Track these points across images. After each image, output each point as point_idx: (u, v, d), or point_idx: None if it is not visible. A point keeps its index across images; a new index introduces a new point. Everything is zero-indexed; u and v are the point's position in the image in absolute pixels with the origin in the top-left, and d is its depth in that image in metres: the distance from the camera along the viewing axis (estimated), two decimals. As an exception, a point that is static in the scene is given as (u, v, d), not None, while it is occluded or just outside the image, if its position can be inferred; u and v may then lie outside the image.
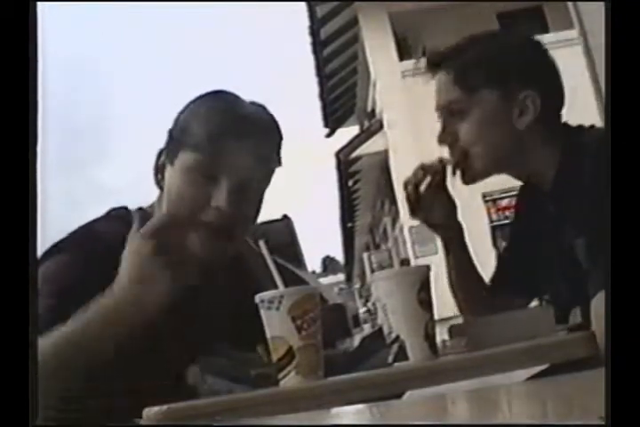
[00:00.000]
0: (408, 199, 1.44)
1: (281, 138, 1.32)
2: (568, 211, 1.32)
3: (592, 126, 1.41)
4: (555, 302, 1.21)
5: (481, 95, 1.37)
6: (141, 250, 1.07)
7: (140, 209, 1.36)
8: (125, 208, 1.36)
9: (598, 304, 1.16)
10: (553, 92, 1.41)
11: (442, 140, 1.40)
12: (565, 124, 1.41)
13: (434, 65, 1.43)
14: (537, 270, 1.44)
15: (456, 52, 1.43)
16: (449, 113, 1.40)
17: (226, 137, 1.23)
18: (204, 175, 1.24)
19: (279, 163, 1.32)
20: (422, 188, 1.42)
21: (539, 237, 1.43)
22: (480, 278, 1.53)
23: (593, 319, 1.16)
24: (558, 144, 1.37)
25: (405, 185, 1.44)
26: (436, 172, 1.41)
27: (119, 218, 1.32)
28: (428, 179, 1.41)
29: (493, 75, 1.37)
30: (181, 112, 1.30)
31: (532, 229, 1.46)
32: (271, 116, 1.32)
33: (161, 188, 1.31)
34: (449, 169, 1.41)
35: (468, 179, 1.41)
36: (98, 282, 1.12)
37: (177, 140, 1.28)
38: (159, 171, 1.31)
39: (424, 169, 1.42)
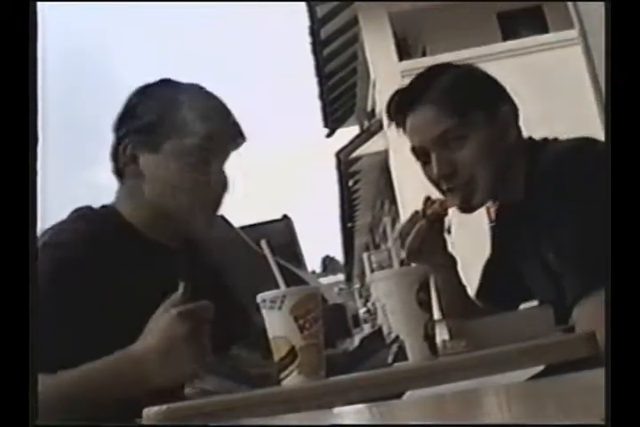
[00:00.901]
0: (402, 245, 1.43)
1: (232, 114, 1.40)
2: (538, 223, 1.31)
3: (553, 139, 1.40)
4: (553, 302, 1.21)
5: (473, 118, 1.35)
6: (177, 329, 1.10)
7: (104, 207, 1.38)
8: (89, 207, 1.38)
9: (581, 312, 1.17)
10: (515, 105, 1.42)
11: (441, 173, 1.36)
12: (528, 137, 1.42)
13: (405, 107, 1.39)
14: (520, 278, 1.44)
15: (421, 86, 1.39)
16: (445, 144, 1.35)
17: (206, 121, 1.32)
18: (196, 157, 1.32)
19: (243, 137, 1.40)
20: (416, 235, 1.41)
21: (518, 247, 1.43)
22: (469, 299, 1.54)
23: (576, 326, 1.17)
24: (525, 157, 1.37)
25: (401, 234, 1.43)
26: (438, 214, 1.41)
27: (81, 218, 1.35)
28: (423, 227, 1.41)
29: (474, 96, 1.37)
30: (139, 103, 1.36)
31: (510, 240, 1.46)
32: (216, 96, 1.39)
33: (136, 177, 1.34)
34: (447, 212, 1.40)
35: (468, 208, 1.39)
36: (65, 284, 1.18)
37: (155, 128, 1.32)
38: (130, 162, 1.34)
39: (425, 215, 1.41)
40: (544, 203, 1.28)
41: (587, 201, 1.19)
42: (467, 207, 1.39)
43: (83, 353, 1.13)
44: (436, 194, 1.42)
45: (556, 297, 1.24)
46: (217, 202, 1.37)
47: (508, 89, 1.43)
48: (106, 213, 1.37)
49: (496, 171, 1.36)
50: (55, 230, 1.31)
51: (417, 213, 1.42)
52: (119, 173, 1.37)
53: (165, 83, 1.39)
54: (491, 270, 1.55)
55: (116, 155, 1.36)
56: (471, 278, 1.54)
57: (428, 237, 1.41)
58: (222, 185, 1.36)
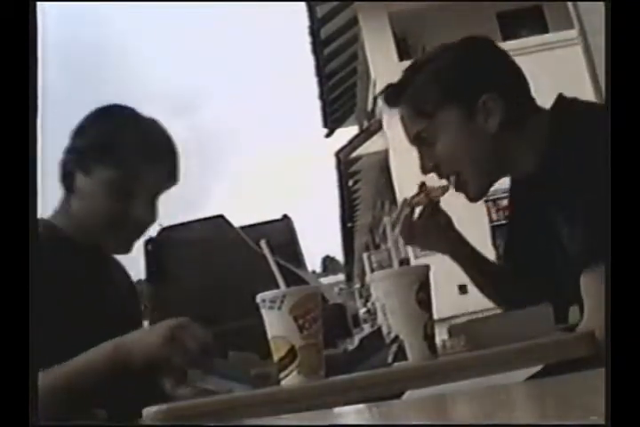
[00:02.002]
0: (401, 232, 1.43)
1: (176, 157, 1.47)
2: (555, 194, 1.31)
3: (572, 100, 1.39)
4: (553, 300, 1.21)
5: (442, 117, 1.35)
6: (160, 347, 1.20)
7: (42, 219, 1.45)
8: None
9: (588, 280, 1.16)
10: (511, 82, 1.39)
11: (425, 169, 1.40)
12: (556, 99, 1.39)
13: (393, 101, 1.42)
14: (535, 273, 1.44)
15: (405, 82, 1.41)
16: (422, 142, 1.39)
17: (141, 156, 1.38)
18: (122, 192, 1.39)
19: (177, 179, 1.47)
20: (414, 218, 1.41)
21: (534, 236, 1.43)
22: (494, 269, 1.54)
23: (584, 296, 1.16)
24: (540, 124, 1.35)
25: (394, 223, 1.43)
26: (422, 203, 1.41)
27: None
28: (418, 209, 1.41)
29: (445, 93, 1.36)
30: (91, 122, 1.43)
31: (526, 227, 1.46)
32: (169, 136, 1.46)
33: (70, 190, 1.43)
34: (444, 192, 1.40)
35: (473, 197, 1.40)
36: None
37: (93, 153, 1.39)
38: (67, 177, 1.42)
39: (409, 204, 1.42)
40: (563, 171, 1.27)
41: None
42: (468, 197, 1.41)
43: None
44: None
45: (561, 289, 1.24)
46: (134, 232, 1.44)
47: (503, 67, 1.40)
48: (46, 226, 1.43)
49: (481, 160, 1.36)
50: None
51: (405, 200, 1.43)
52: (60, 181, 1.45)
53: (122, 110, 1.46)
54: (511, 242, 1.55)
55: (61, 163, 1.44)
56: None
57: (416, 222, 1.42)
58: (142, 218, 1.41)
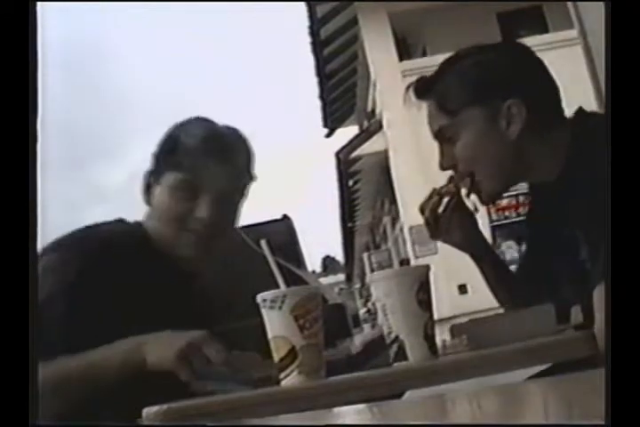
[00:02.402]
0: (427, 223, 1.43)
1: (253, 156, 1.49)
2: (574, 202, 1.31)
3: (593, 112, 1.40)
4: (556, 300, 1.21)
5: (464, 117, 1.36)
6: (172, 363, 1.21)
7: (121, 221, 1.52)
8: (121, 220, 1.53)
9: (599, 296, 1.16)
10: (539, 91, 1.40)
11: (443, 166, 1.41)
12: (577, 110, 1.41)
13: (422, 94, 1.43)
14: (549, 273, 1.44)
15: (437, 77, 1.42)
16: (443, 139, 1.40)
17: (203, 157, 1.41)
18: (187, 192, 1.42)
19: (252, 178, 1.50)
20: (440, 209, 1.41)
21: (548, 235, 1.43)
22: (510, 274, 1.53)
23: (596, 312, 1.16)
24: (562, 135, 1.36)
25: (422, 209, 1.43)
26: (451, 192, 1.41)
27: (119, 222, 1.51)
28: (445, 200, 1.41)
29: (472, 93, 1.37)
30: (164, 137, 1.47)
31: (543, 229, 1.46)
32: (243, 137, 1.48)
33: (149, 204, 1.48)
34: (463, 190, 1.40)
35: (485, 200, 1.41)
36: (95, 278, 1.34)
37: (161, 162, 1.45)
38: (147, 191, 1.47)
39: (439, 193, 1.42)
40: (582, 181, 1.27)
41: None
42: (480, 200, 1.41)
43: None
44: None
45: (565, 289, 1.24)
46: (199, 232, 1.43)
47: (535, 74, 1.40)
48: (131, 229, 1.50)
49: (497, 164, 1.37)
50: (89, 228, 1.46)
51: (434, 189, 1.43)
52: (145, 199, 1.50)
53: (198, 120, 1.48)
54: (529, 254, 1.55)
55: (143, 180, 1.49)
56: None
57: (443, 213, 1.41)
58: (204, 218, 1.41)
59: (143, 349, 1.24)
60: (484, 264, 1.51)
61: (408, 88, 1.44)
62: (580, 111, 1.41)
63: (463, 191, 1.41)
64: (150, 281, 1.40)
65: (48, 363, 1.19)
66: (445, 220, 1.41)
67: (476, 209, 1.46)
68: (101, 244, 1.41)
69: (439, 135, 1.41)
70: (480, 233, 1.50)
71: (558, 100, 1.41)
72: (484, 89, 1.37)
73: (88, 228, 1.47)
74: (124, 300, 1.34)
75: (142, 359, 1.24)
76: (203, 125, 1.47)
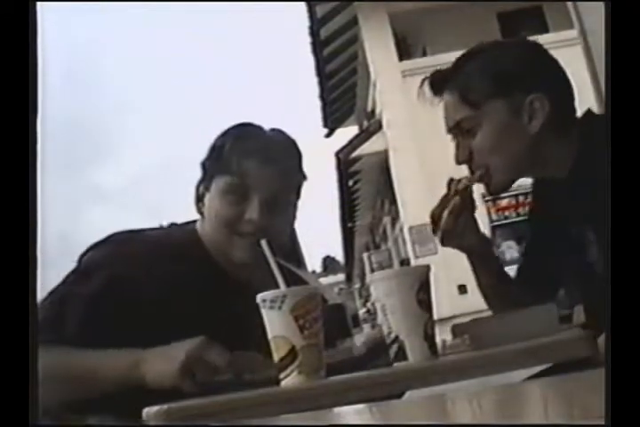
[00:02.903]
0: (437, 228, 1.42)
1: (301, 156, 1.49)
2: (584, 201, 1.32)
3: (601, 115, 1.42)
4: (558, 299, 1.21)
5: (487, 109, 1.37)
6: (174, 378, 1.20)
7: (174, 224, 1.53)
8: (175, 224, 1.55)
9: None
10: (559, 89, 1.41)
11: (459, 159, 1.41)
12: (586, 111, 1.42)
13: (438, 87, 1.43)
14: (554, 269, 1.44)
15: (455, 70, 1.42)
16: (460, 132, 1.40)
17: (250, 159, 1.40)
18: (236, 195, 1.40)
19: (304, 177, 1.50)
20: (449, 214, 1.40)
21: (554, 233, 1.43)
22: (509, 280, 1.53)
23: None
24: (574, 135, 1.37)
25: (433, 216, 1.42)
26: (461, 198, 1.40)
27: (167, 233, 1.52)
28: (455, 205, 1.40)
29: (495, 86, 1.37)
30: (211, 146, 1.46)
31: (547, 225, 1.46)
32: (290, 138, 1.48)
33: (201, 213, 1.47)
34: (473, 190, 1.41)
35: (494, 190, 1.41)
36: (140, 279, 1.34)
37: (210, 169, 1.44)
38: (199, 200, 1.47)
39: (448, 197, 1.41)
40: (592, 180, 1.28)
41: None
42: (489, 190, 1.42)
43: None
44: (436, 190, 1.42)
45: (568, 289, 1.24)
46: (250, 234, 1.39)
47: (554, 73, 1.42)
48: (187, 231, 1.49)
49: (515, 157, 1.38)
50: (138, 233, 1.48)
51: (446, 195, 1.42)
52: (197, 208, 1.49)
53: (242, 126, 1.48)
54: (529, 256, 1.55)
55: (195, 198, 1.49)
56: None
57: (460, 215, 1.41)
58: (254, 220, 1.39)
59: (142, 367, 1.22)
60: (482, 268, 1.50)
61: (423, 82, 1.43)
62: (589, 112, 1.42)
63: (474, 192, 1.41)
64: (197, 287, 1.39)
65: (52, 350, 1.19)
66: (458, 226, 1.41)
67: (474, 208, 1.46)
68: (154, 245, 1.42)
69: (458, 128, 1.40)
70: (485, 237, 1.50)
71: (574, 100, 1.43)
72: (507, 82, 1.38)
73: (140, 230, 1.49)
74: (166, 303, 1.33)
75: (141, 378, 1.21)
76: (247, 129, 1.47)
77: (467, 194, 1.41)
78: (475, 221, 1.46)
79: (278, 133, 1.47)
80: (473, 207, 1.44)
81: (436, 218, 1.42)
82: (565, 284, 1.42)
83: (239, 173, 1.40)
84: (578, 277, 1.36)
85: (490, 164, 1.38)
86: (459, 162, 1.41)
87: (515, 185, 1.49)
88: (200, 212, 1.47)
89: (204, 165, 1.46)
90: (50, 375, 1.15)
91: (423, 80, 1.44)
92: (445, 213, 1.40)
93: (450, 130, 1.42)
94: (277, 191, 1.42)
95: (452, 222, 1.40)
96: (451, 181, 1.43)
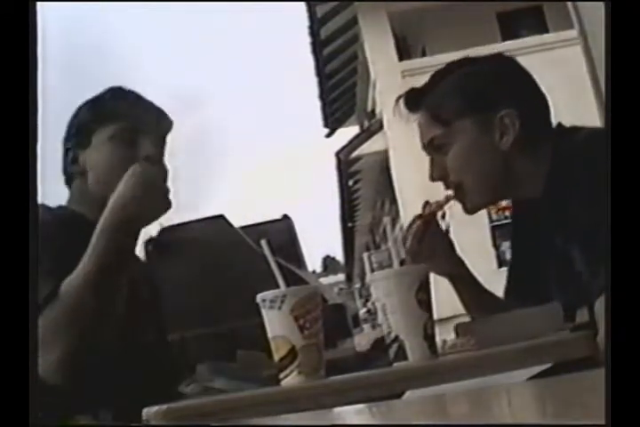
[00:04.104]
0: (409, 251, 1.43)
1: (159, 108, 1.55)
2: (561, 217, 1.31)
3: (579, 127, 1.39)
4: (562, 300, 1.21)
5: (458, 127, 1.36)
6: (144, 177, 1.30)
7: (60, 207, 1.51)
8: (46, 208, 1.49)
9: (600, 309, 1.16)
10: (531, 103, 1.40)
11: (433, 176, 1.41)
12: (556, 126, 1.40)
13: (412, 105, 1.43)
14: (543, 277, 1.43)
15: (429, 87, 1.42)
16: (434, 150, 1.40)
17: (133, 106, 1.48)
18: (124, 139, 1.45)
19: (170, 124, 1.55)
20: (413, 238, 1.41)
21: (539, 244, 1.42)
22: (493, 297, 1.52)
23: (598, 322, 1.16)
24: (547, 150, 1.35)
25: (404, 239, 1.43)
26: (424, 222, 1.41)
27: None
28: (419, 228, 1.41)
29: (465, 103, 1.37)
30: (80, 109, 1.52)
31: (530, 237, 1.45)
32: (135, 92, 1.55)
33: (80, 174, 1.48)
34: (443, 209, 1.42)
35: (470, 210, 1.41)
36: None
37: (86, 127, 1.48)
38: (73, 163, 1.49)
39: (419, 219, 1.43)
40: (567, 197, 1.28)
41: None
42: (465, 209, 1.41)
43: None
44: (434, 193, 1.43)
45: (573, 295, 1.24)
46: (152, 171, 1.40)
47: (527, 87, 1.40)
48: (62, 213, 1.48)
49: (487, 175, 1.37)
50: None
51: (416, 216, 1.43)
52: (68, 180, 1.51)
53: (104, 91, 1.54)
54: (515, 269, 1.55)
55: (64, 165, 1.51)
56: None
57: (425, 238, 1.42)
58: (151, 156, 1.44)
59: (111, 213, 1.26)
60: (461, 286, 1.51)
61: (398, 100, 1.44)
62: (560, 126, 1.40)
63: (440, 213, 1.42)
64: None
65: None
66: (425, 248, 1.42)
67: (448, 230, 1.48)
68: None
69: (431, 146, 1.40)
70: (459, 258, 1.50)
71: (548, 115, 1.41)
72: (477, 99, 1.37)
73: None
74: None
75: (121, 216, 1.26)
76: (116, 88, 1.53)
77: (430, 218, 1.42)
78: (447, 244, 1.46)
79: (140, 95, 1.54)
80: (440, 231, 1.44)
81: (403, 240, 1.43)
82: (554, 296, 1.41)
83: (125, 118, 1.46)
84: (565, 288, 1.35)
85: (463, 182, 1.38)
86: (433, 179, 1.41)
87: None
88: (75, 173, 1.49)
89: (74, 126, 1.50)
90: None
91: (398, 98, 1.44)
92: (409, 237, 1.41)
93: (424, 147, 1.42)
94: (160, 135, 1.50)
95: (416, 246, 1.41)
96: (426, 203, 1.44)
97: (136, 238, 1.31)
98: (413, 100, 1.43)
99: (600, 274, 1.18)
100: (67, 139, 1.52)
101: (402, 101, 1.44)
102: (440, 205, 1.42)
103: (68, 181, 1.52)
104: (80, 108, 1.53)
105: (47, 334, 1.20)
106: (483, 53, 1.47)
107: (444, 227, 1.47)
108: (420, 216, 1.43)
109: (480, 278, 1.55)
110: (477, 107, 1.37)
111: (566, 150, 1.32)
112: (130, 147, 1.45)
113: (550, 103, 1.41)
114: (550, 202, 1.33)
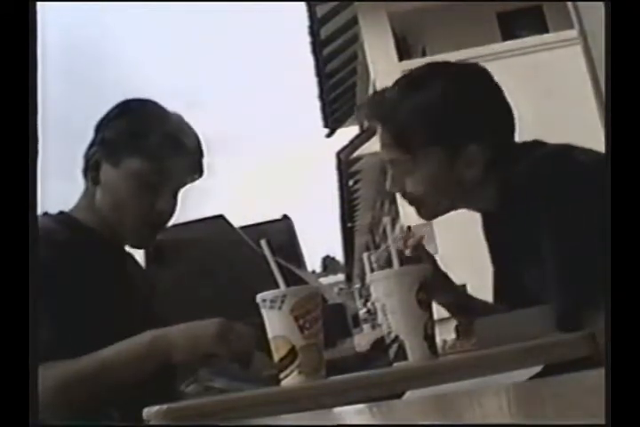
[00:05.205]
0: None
1: (202, 151, 1.47)
2: (519, 231, 1.30)
3: (541, 143, 1.36)
4: (555, 302, 1.20)
5: (420, 156, 1.32)
6: (212, 342, 1.24)
7: (61, 213, 1.45)
8: (47, 215, 1.45)
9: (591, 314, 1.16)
10: (499, 125, 1.35)
11: (391, 189, 1.39)
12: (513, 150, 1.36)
13: (373, 118, 1.38)
14: (527, 284, 1.42)
15: (391, 103, 1.34)
16: (394, 167, 1.37)
17: (172, 149, 1.37)
18: (148, 182, 1.38)
19: (202, 174, 1.48)
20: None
21: (511, 254, 1.41)
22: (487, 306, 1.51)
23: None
24: (505, 166, 1.32)
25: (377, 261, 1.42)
26: (407, 246, 1.40)
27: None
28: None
29: (429, 134, 1.30)
30: (119, 113, 1.41)
31: (502, 247, 1.44)
32: (194, 129, 1.46)
33: (95, 182, 1.40)
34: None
35: (426, 218, 1.42)
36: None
37: (123, 143, 1.38)
38: (93, 169, 1.41)
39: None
40: (523, 213, 1.27)
41: (567, 207, 1.19)
42: (421, 216, 1.41)
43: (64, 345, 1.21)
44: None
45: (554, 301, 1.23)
46: (156, 225, 1.43)
47: (496, 105, 1.35)
48: (63, 220, 1.44)
49: (445, 194, 1.36)
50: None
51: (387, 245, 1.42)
52: (84, 174, 1.44)
53: (149, 104, 1.45)
54: (497, 277, 1.54)
55: (86, 156, 1.43)
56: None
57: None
58: (166, 212, 1.41)
59: (165, 338, 1.22)
60: (450, 307, 1.50)
61: (359, 108, 1.42)
62: (524, 144, 1.37)
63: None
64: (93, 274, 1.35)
65: (48, 367, 1.16)
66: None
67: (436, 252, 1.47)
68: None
69: (391, 164, 1.38)
70: (444, 276, 1.48)
71: (512, 132, 1.36)
72: (442, 131, 1.31)
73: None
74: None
75: (167, 347, 1.21)
76: (161, 111, 1.44)
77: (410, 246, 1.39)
78: (441, 279, 1.44)
79: (185, 122, 1.46)
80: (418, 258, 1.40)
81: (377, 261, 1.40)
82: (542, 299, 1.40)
83: (158, 161, 1.38)
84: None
85: (422, 198, 1.37)
86: (390, 190, 1.40)
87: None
88: (95, 181, 1.42)
89: (114, 133, 1.40)
90: (61, 390, 1.17)
91: (359, 106, 1.43)
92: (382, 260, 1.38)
93: (383, 161, 1.41)
94: (185, 184, 1.45)
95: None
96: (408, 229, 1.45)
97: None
98: (374, 112, 1.38)
99: (569, 298, 1.18)
100: (100, 130, 1.42)
101: (363, 109, 1.41)
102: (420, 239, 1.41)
103: (84, 177, 1.45)
104: (121, 113, 1.42)
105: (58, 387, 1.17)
106: (450, 62, 1.41)
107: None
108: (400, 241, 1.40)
109: (480, 279, 1.55)
110: (443, 139, 1.31)
111: (523, 166, 1.28)
112: (150, 193, 1.39)
113: (515, 118, 1.36)
114: (507, 215, 1.32)
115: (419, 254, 1.40)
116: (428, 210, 1.40)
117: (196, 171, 1.45)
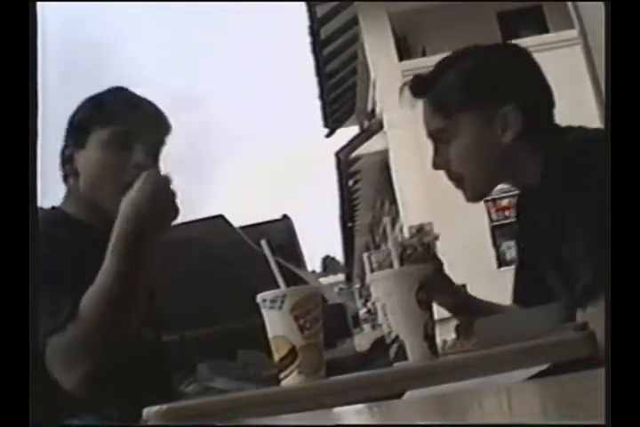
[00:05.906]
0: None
1: (163, 112, 1.52)
2: (558, 212, 1.31)
3: (577, 127, 1.39)
4: (562, 299, 1.20)
5: (459, 120, 1.37)
6: (152, 184, 1.30)
7: (53, 208, 1.49)
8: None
9: (594, 310, 1.16)
10: (536, 98, 1.40)
11: (436, 165, 1.42)
12: (555, 125, 1.40)
13: (417, 91, 1.43)
14: (548, 275, 1.43)
15: (434, 75, 1.42)
16: (437, 139, 1.41)
17: (132, 111, 1.45)
18: (118, 144, 1.43)
19: (169, 128, 1.52)
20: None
21: (541, 241, 1.42)
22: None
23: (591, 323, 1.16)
24: (545, 146, 1.36)
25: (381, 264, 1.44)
26: (413, 246, 1.43)
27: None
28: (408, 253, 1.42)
29: (468, 97, 1.37)
30: (80, 106, 1.49)
31: (533, 234, 1.45)
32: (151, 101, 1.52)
33: (73, 174, 1.46)
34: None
35: (471, 199, 1.43)
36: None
37: (83, 127, 1.46)
38: (68, 162, 1.47)
39: (402, 246, 1.43)
40: (558, 195, 1.28)
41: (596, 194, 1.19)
42: (466, 197, 1.43)
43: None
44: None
45: (568, 295, 1.24)
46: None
47: (533, 81, 1.40)
48: (54, 214, 1.47)
49: (488, 167, 1.38)
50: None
51: (399, 242, 1.45)
52: (64, 177, 1.49)
53: (106, 91, 1.52)
54: (519, 273, 1.54)
55: (61, 156, 1.49)
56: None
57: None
58: (142, 163, 1.42)
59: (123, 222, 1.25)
60: (454, 311, 1.51)
61: (403, 87, 1.44)
62: (568, 126, 1.40)
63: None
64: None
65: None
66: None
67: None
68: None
69: (434, 135, 1.42)
70: (449, 281, 1.50)
71: (552, 107, 1.41)
72: (481, 93, 1.37)
73: None
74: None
75: (131, 226, 1.25)
76: (119, 89, 1.51)
77: (424, 248, 1.42)
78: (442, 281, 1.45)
79: (139, 95, 1.52)
80: (428, 258, 1.42)
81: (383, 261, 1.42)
82: (560, 296, 1.40)
83: (122, 122, 1.44)
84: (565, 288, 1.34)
85: (464, 173, 1.39)
86: (435, 167, 1.42)
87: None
88: (69, 173, 1.47)
89: (74, 126, 1.48)
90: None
91: (404, 85, 1.44)
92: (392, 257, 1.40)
93: (428, 134, 1.43)
94: (155, 139, 1.48)
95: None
96: (420, 228, 1.47)
97: (150, 247, 1.30)
98: (419, 87, 1.43)
99: (591, 274, 1.18)
100: (65, 136, 1.51)
101: (407, 87, 1.44)
102: (433, 239, 1.42)
103: (65, 179, 1.50)
104: (80, 106, 1.50)
105: (72, 351, 1.21)
106: (492, 43, 1.48)
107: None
108: (410, 240, 1.43)
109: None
110: (481, 101, 1.37)
111: (560, 148, 1.32)
112: (123, 152, 1.43)
113: (555, 97, 1.41)
114: (548, 189, 1.34)
115: (429, 252, 1.41)
116: (476, 188, 1.41)
117: (161, 125, 1.50)
